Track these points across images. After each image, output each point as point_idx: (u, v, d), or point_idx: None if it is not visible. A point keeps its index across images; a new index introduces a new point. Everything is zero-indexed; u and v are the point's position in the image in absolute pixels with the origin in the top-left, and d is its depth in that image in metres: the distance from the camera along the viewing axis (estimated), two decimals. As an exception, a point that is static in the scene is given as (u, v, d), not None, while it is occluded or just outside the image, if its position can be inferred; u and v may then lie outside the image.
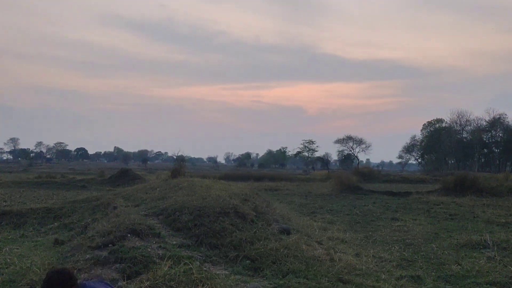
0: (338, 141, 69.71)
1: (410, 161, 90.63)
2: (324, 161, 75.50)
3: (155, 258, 5.57)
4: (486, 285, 5.68)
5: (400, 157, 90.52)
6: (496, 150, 74.79)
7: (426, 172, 58.42)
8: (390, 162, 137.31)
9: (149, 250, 5.85)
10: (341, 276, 5.63)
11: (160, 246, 6.15)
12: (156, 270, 4.92)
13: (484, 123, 73.97)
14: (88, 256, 5.52)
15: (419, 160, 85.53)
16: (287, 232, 7.92)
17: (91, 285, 2.63)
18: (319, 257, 6.50)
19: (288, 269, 5.81)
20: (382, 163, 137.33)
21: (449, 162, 78.70)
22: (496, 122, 72.28)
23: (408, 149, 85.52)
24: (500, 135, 72.91)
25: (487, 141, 74.41)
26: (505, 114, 72.95)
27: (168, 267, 5.04)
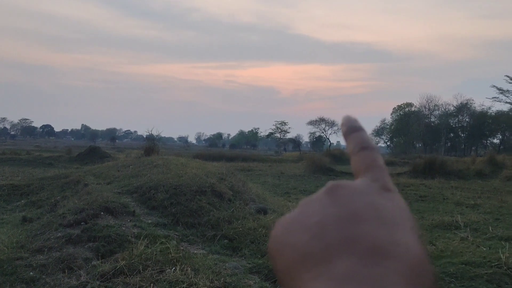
0: (311, 123, 70.25)
1: (379, 144, 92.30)
2: (296, 142, 76.03)
3: (130, 237, 5.39)
4: (461, 264, 5.76)
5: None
6: (462, 135, 77.01)
7: (395, 155, 59.63)
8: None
9: (124, 228, 5.66)
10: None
11: (135, 225, 5.96)
12: (132, 249, 4.75)
13: (452, 108, 75.89)
14: (59, 234, 5.28)
15: (388, 143, 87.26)
16: (264, 211, 7.84)
17: None
18: (297, 236, 6.45)
19: (266, 249, 5.72)
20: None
21: (417, 145, 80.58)
22: (463, 108, 74.23)
23: (378, 132, 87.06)
24: (467, 120, 75.00)
25: (454, 125, 76.48)
26: (472, 100, 75.02)
27: (144, 246, 4.88)
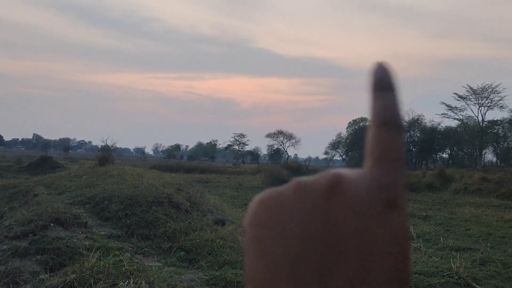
0: (269, 135, 70.71)
1: (335, 158, 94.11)
2: (254, 155, 76.25)
3: (81, 249, 5.15)
4: (415, 274, 5.89)
5: (326, 153, 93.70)
6: (414, 149, 79.85)
7: (349, 168, 60.85)
8: (317, 158, 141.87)
9: (75, 240, 5.42)
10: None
11: (87, 237, 5.72)
12: (83, 262, 4.54)
13: (404, 123, 78.45)
14: (5, 246, 4.98)
15: (344, 157, 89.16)
16: (222, 223, 7.75)
17: None
18: (255, 248, 6.39)
19: (224, 260, 5.64)
20: (309, 159, 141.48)
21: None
22: (415, 123, 77.10)
23: (334, 145, 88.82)
24: (418, 135, 77.90)
25: (406, 140, 79.06)
26: (423, 116, 78.05)
27: (96, 258, 4.68)
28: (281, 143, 71.99)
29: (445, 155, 77.11)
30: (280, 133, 70.12)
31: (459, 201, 17.32)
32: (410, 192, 21.16)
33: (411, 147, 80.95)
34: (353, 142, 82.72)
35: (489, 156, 62.85)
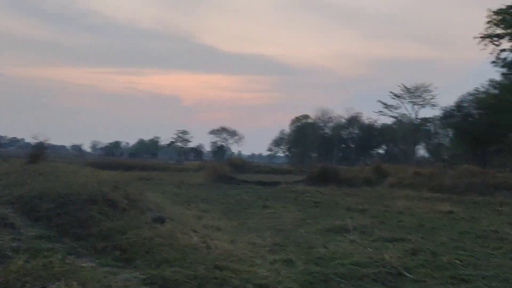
0: (213, 132, 70.47)
1: (278, 154, 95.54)
2: (197, 152, 75.65)
3: (7, 251, 4.84)
4: (351, 265, 6.09)
5: (269, 149, 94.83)
6: (353, 146, 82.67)
7: (293, 164, 62.08)
8: (260, 155, 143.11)
9: (0, 242, 5.08)
10: (217, 263, 5.53)
11: (14, 238, 5.38)
12: (9, 264, 4.27)
13: (343, 121, 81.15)
14: None
15: (287, 153, 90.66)
16: (161, 220, 7.58)
17: None
18: (195, 245, 6.32)
19: (162, 259, 5.52)
20: (253, 155, 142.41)
21: (312, 155, 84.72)
22: (353, 120, 79.83)
23: (277, 142, 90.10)
24: (357, 132, 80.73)
25: (345, 137, 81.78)
26: (361, 113, 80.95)
27: (24, 260, 4.41)
28: (225, 140, 71.98)
29: (381, 151, 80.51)
30: (224, 130, 70.17)
31: (394, 194, 18.10)
32: (349, 187, 21.86)
33: (351, 143, 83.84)
34: (295, 139, 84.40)
35: (421, 151, 66.20)
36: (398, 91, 61.38)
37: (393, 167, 29.86)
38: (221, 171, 25.90)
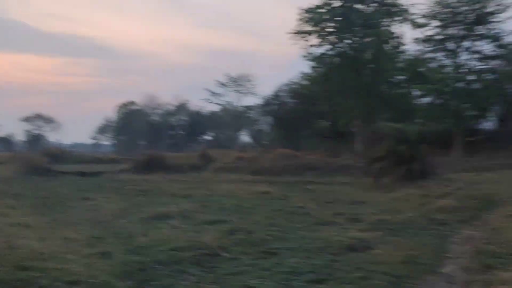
0: (26, 120, 63.08)
1: (104, 142, 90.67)
2: (7, 141, 66.97)
3: None
4: (170, 251, 6.16)
5: (93, 138, 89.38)
6: (182, 132, 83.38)
7: (119, 153, 59.74)
8: (84, 143, 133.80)
9: None
10: (22, 263, 5.01)
11: None
12: None
13: (172, 108, 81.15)
14: None
15: (113, 141, 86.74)
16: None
17: None
18: (-4, 246, 5.59)
19: None
20: (76, 144, 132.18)
21: (140, 143, 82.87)
22: (182, 107, 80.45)
23: (102, 130, 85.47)
24: (185, 119, 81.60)
25: (174, 124, 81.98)
26: (190, 100, 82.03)
27: None
28: (40, 128, 65.16)
29: (210, 138, 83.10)
30: (38, 117, 63.35)
31: (218, 179, 18.83)
32: (176, 173, 22.02)
33: (180, 130, 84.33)
34: (121, 126, 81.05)
35: (245, 137, 70.47)
36: (223, 80, 64.03)
37: (219, 152, 31.12)
38: (35, 162, 23.45)
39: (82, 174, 21.34)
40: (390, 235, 7.56)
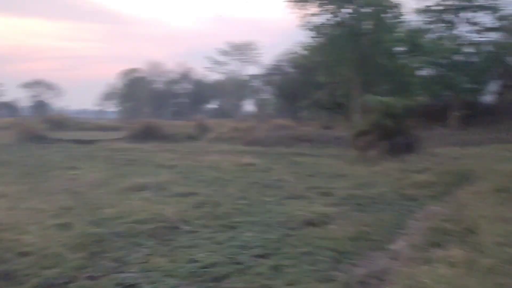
0: (26, 85, 63.24)
1: (109, 109, 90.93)
2: (12, 107, 67.42)
3: None
4: (131, 223, 6.33)
5: (99, 104, 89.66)
6: (186, 101, 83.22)
7: (123, 120, 60.04)
8: (90, 110, 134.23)
9: None
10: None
11: None
12: None
13: (176, 75, 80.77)
14: None
15: (118, 108, 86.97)
16: None
17: None
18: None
19: None
20: (82, 111, 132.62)
21: (145, 110, 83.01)
22: (186, 75, 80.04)
23: (107, 97, 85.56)
24: (189, 87, 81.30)
25: (178, 92, 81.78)
26: (194, 68, 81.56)
27: None
28: (40, 94, 65.29)
29: (215, 106, 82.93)
30: (39, 82, 63.36)
31: (211, 149, 18.90)
32: (172, 143, 22.20)
33: (185, 98, 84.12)
34: (126, 93, 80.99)
35: (250, 107, 70.28)
36: (226, 48, 63.37)
37: (216, 122, 31.20)
38: (33, 129, 23.70)
39: (78, 142, 21.59)
40: (355, 210, 7.68)
